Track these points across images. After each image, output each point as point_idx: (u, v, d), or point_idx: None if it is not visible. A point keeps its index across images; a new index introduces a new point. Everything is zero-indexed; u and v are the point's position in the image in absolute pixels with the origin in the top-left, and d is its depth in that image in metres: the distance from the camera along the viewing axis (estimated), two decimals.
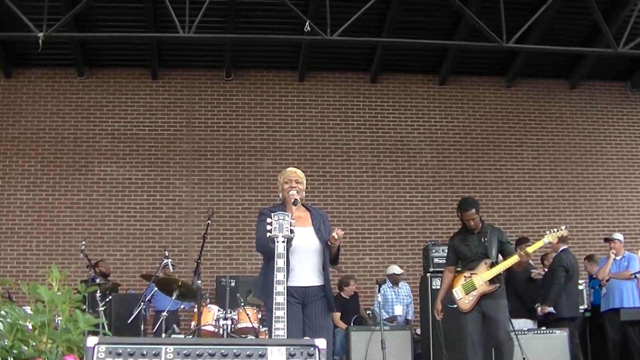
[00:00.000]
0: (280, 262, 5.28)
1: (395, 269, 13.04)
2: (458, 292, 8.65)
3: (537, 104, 16.46)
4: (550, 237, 8.52)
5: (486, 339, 8.50)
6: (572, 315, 11.56)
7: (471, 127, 16.09)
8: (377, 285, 10.47)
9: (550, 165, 16.20)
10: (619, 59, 15.11)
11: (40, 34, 11.39)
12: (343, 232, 6.28)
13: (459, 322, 9.07)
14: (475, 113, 16.18)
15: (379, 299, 10.56)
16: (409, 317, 13.01)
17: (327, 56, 15.64)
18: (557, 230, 8.54)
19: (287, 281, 5.36)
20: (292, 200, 6.18)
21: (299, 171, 6.59)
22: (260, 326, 9.80)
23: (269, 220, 5.46)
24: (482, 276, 8.47)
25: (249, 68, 15.86)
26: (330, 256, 6.39)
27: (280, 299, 5.17)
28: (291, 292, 5.94)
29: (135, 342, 3.58)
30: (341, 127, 15.73)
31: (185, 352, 3.51)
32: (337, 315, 12.16)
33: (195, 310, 9.61)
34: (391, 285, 12.88)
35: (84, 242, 11.75)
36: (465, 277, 8.64)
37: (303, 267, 6.20)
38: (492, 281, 8.44)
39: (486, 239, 8.62)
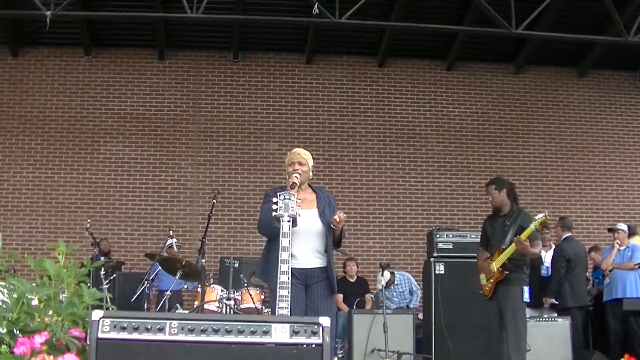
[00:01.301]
0: (285, 242, 5.27)
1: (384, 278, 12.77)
2: (482, 277, 8.59)
3: (545, 91, 16.42)
4: (535, 224, 8.35)
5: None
6: (578, 304, 11.54)
7: (478, 114, 16.06)
8: (381, 269, 10.47)
9: (557, 153, 16.17)
10: (628, 48, 15.06)
11: (48, 13, 11.37)
12: (345, 216, 6.24)
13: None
14: (483, 100, 16.15)
15: (382, 282, 10.59)
16: (412, 306, 12.94)
17: (335, 39, 15.60)
18: (541, 217, 8.35)
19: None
20: (290, 184, 6.11)
21: (303, 152, 6.52)
22: (263, 307, 9.83)
23: (274, 199, 5.44)
24: (495, 262, 8.39)
25: (256, 50, 15.84)
26: (334, 239, 6.38)
27: (284, 277, 5.17)
28: (293, 273, 5.93)
29: (140, 317, 3.60)
30: (347, 111, 15.72)
31: (189, 327, 3.53)
32: (340, 297, 12.18)
33: (199, 289, 9.64)
34: (384, 287, 12.78)
35: (89, 221, 11.81)
36: (488, 262, 8.57)
37: (305, 249, 6.19)
38: (503, 268, 8.36)
39: (508, 223, 8.49)
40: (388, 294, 12.65)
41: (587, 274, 13.02)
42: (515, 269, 8.30)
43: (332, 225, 6.23)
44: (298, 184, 6.13)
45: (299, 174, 6.26)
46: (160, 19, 14.39)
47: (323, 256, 6.30)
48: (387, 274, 12.45)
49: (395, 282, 12.96)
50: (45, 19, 11.37)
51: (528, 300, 8.53)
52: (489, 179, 8.94)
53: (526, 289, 8.35)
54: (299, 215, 5.47)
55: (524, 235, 8.07)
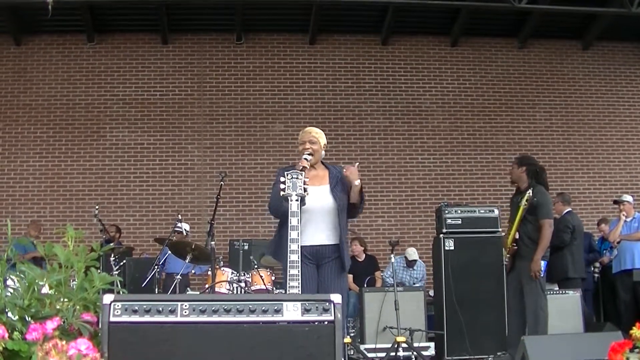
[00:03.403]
0: (294, 221, 5.27)
1: (411, 253, 12.89)
2: (504, 252, 8.73)
3: (550, 65, 16.36)
4: (524, 202, 8.49)
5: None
6: (578, 275, 11.54)
7: (483, 89, 16.02)
8: (390, 247, 10.48)
9: (563, 127, 16.13)
10: (633, 20, 14.96)
11: (50, 0, 11.33)
12: (356, 169, 6.15)
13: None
14: (487, 75, 16.10)
15: (392, 266, 10.66)
16: None
17: (338, 18, 15.55)
18: (527, 195, 8.46)
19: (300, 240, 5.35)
20: (300, 167, 6.05)
21: (315, 130, 6.45)
22: (274, 288, 9.84)
23: (282, 179, 5.43)
24: (510, 237, 8.54)
25: (260, 31, 15.80)
26: (352, 204, 6.30)
27: (294, 256, 5.17)
28: (304, 252, 5.92)
29: (151, 299, 3.61)
30: (353, 90, 15.69)
31: (201, 308, 3.54)
32: (350, 277, 12.18)
33: (209, 273, 9.65)
34: (405, 266, 12.85)
35: (97, 207, 11.80)
36: (506, 237, 8.72)
37: (316, 226, 6.14)
38: (515, 242, 8.49)
39: (520, 199, 8.57)
40: (408, 274, 12.75)
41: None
42: (531, 244, 8.40)
43: (345, 181, 6.22)
44: (308, 167, 6.08)
45: (310, 153, 6.23)
46: (162, 3, 14.37)
47: (334, 234, 6.24)
48: (414, 250, 12.59)
49: (414, 268, 12.99)
50: (47, 7, 11.32)
51: (543, 275, 8.57)
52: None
53: (543, 263, 8.41)
54: (307, 194, 5.46)
55: (518, 216, 8.38)
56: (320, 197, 6.13)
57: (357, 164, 6.28)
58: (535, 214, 8.42)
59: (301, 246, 5.69)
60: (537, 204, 8.40)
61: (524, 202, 8.32)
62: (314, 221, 6.11)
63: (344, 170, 6.16)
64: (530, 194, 8.28)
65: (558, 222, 11.83)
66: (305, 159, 6.13)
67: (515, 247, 8.49)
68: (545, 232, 8.37)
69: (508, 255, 8.60)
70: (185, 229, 12.09)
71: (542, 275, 8.44)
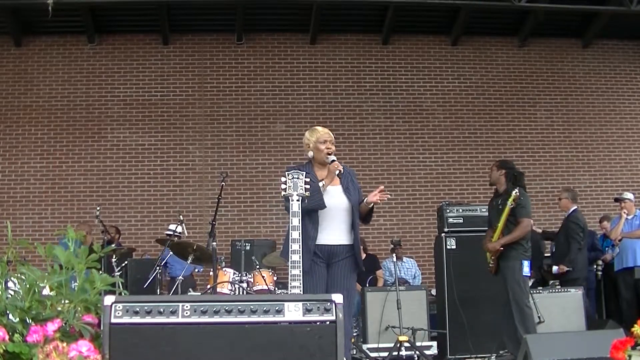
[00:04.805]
0: (295, 221, 5.27)
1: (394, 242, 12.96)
2: (487, 255, 8.79)
3: (550, 63, 16.34)
4: (510, 202, 8.51)
5: None
6: (576, 276, 11.53)
7: (484, 88, 16.00)
8: (392, 245, 10.48)
9: (564, 125, 16.11)
10: (632, 17, 14.95)
11: (50, 1, 11.33)
12: (378, 198, 6.30)
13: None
14: (488, 74, 16.07)
15: (389, 265, 10.65)
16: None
17: (339, 18, 15.54)
18: (514, 194, 8.46)
19: (303, 239, 5.35)
20: (337, 172, 6.14)
21: (329, 132, 6.54)
22: (276, 288, 9.84)
23: (282, 179, 5.43)
24: (493, 240, 8.64)
25: (260, 31, 15.78)
26: (362, 214, 6.42)
27: (295, 257, 5.16)
28: (315, 250, 5.95)
29: (152, 301, 3.60)
30: (353, 90, 15.68)
31: (202, 309, 3.53)
32: None
33: (211, 272, 9.65)
34: (394, 260, 12.85)
35: (98, 208, 11.78)
36: (488, 240, 8.80)
37: (330, 225, 6.20)
38: None
39: (500, 202, 8.65)
40: (398, 265, 12.76)
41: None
42: (513, 245, 8.52)
43: (365, 202, 6.33)
44: (342, 169, 6.16)
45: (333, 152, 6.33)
46: (163, 4, 14.37)
47: (349, 233, 6.31)
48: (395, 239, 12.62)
49: (404, 260, 13.04)
50: (48, 8, 11.33)
51: (529, 274, 8.66)
52: (499, 156, 9.15)
53: (526, 262, 8.53)
54: (307, 194, 5.46)
55: (503, 215, 8.49)
56: (335, 196, 6.21)
57: (382, 187, 6.41)
58: (515, 215, 8.51)
59: (314, 244, 5.73)
60: (517, 205, 8.50)
61: (510, 201, 8.41)
62: (328, 220, 6.17)
63: (370, 197, 6.29)
64: (517, 193, 8.36)
65: (567, 221, 11.77)
66: (334, 160, 6.20)
67: (501, 249, 8.57)
68: (521, 227, 8.56)
69: (493, 257, 8.70)
70: (173, 230, 12.03)
71: (524, 275, 8.54)
